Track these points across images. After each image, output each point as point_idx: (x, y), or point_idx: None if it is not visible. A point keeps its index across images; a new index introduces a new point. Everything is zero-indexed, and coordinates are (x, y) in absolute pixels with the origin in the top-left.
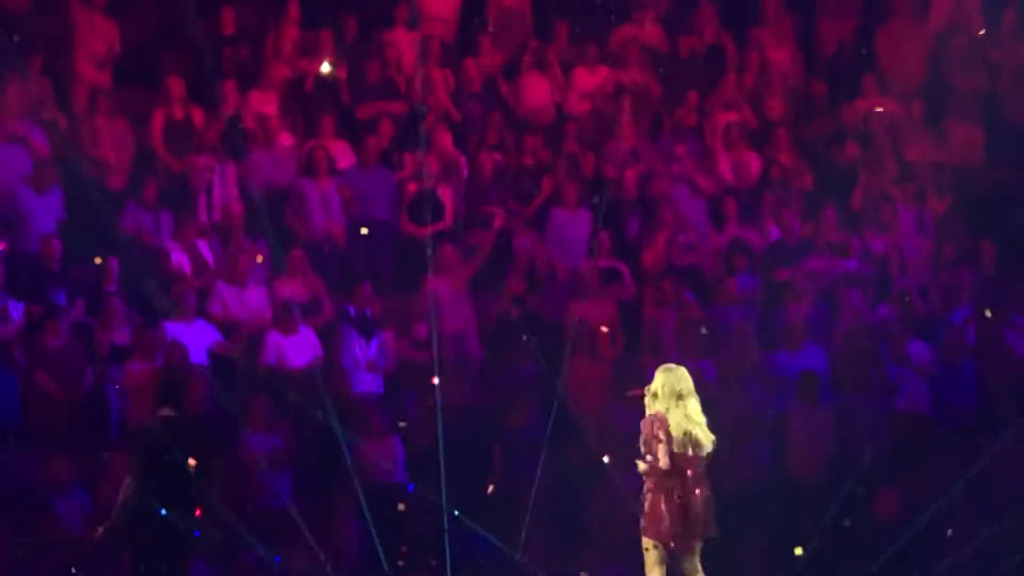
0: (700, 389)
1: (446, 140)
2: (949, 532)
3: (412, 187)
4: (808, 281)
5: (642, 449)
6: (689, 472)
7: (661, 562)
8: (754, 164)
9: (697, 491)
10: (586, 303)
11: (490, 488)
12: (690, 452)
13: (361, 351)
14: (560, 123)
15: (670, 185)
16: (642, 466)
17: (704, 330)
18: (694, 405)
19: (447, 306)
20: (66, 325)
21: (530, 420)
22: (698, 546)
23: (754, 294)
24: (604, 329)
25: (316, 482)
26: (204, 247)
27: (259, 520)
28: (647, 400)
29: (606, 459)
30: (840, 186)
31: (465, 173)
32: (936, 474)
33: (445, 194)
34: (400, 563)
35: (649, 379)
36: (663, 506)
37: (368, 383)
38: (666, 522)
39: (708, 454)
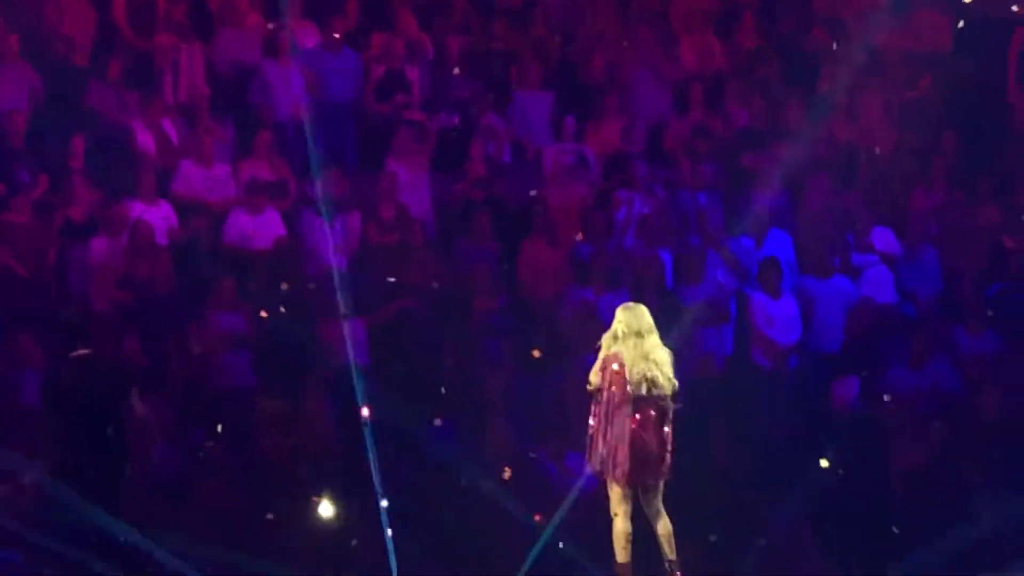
0: (659, 282)
1: (411, 22)
2: (910, 419)
3: (378, 68)
4: (773, 168)
5: (602, 388)
6: (652, 412)
7: (627, 497)
8: (720, 50)
9: (654, 432)
10: (549, 187)
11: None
12: (644, 391)
13: (324, 232)
14: (528, 7)
15: (635, 70)
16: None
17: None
18: (653, 342)
19: (410, 187)
20: (29, 203)
21: (490, 304)
22: (658, 486)
23: (718, 180)
24: None
25: (278, 363)
26: (169, 126)
27: (220, 400)
28: (606, 341)
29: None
30: (807, 73)
31: (431, 55)
32: (899, 362)
33: (412, 75)
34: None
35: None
36: (604, 442)
37: (332, 264)
38: (623, 462)
39: (668, 396)
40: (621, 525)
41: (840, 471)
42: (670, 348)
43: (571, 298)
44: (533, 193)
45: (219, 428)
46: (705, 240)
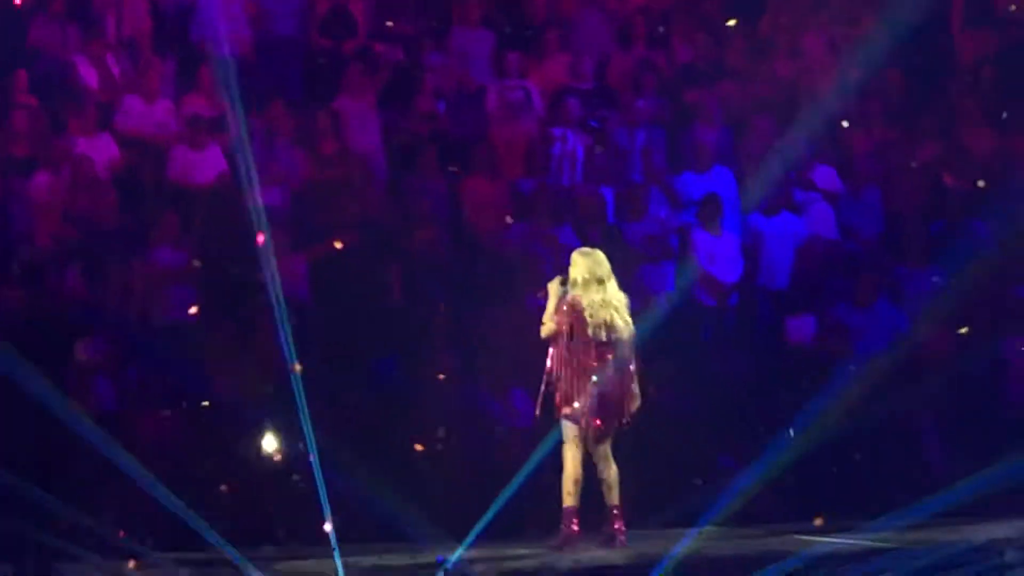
0: (601, 218)
1: None
2: (856, 355)
3: (323, 3)
4: (717, 104)
5: (561, 334)
6: (610, 357)
7: (580, 441)
8: None
9: (613, 377)
10: (493, 124)
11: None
12: (604, 336)
13: (269, 166)
14: None
15: (579, 5)
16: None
17: (601, 150)
18: (613, 287)
19: (355, 123)
20: None
21: (434, 239)
22: (611, 432)
23: (662, 116)
24: None
25: (222, 296)
26: (112, 62)
27: (164, 336)
28: (555, 286)
29: None
30: (750, 10)
31: None
32: (844, 299)
33: (356, 9)
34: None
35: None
36: (577, 387)
37: (275, 199)
38: (580, 402)
39: (627, 341)
40: (572, 469)
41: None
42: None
43: (514, 233)
44: None
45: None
46: (647, 176)
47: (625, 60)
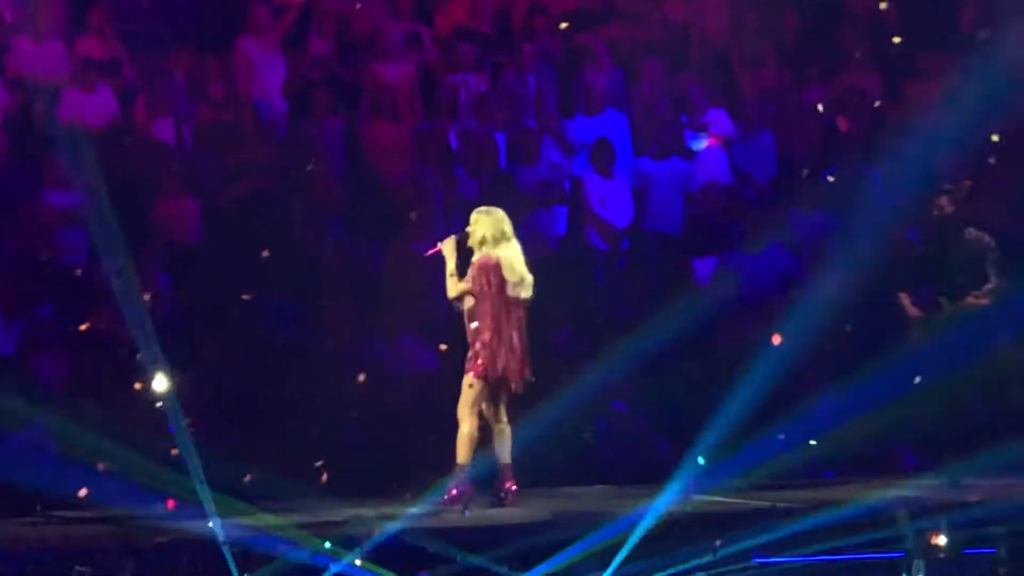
0: (494, 163)
1: None
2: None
3: None
4: (608, 47)
5: (476, 293)
6: (522, 314)
7: (481, 400)
8: None
9: (523, 334)
10: (386, 65)
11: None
12: (519, 293)
13: (163, 110)
14: None
15: None
16: (468, 302)
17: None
18: (516, 244)
19: (255, 66)
20: None
21: (330, 183)
22: (511, 391)
23: (553, 58)
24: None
25: (113, 240)
26: (2, 2)
27: (55, 277)
28: (449, 245)
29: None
30: None
31: None
32: (737, 243)
33: None
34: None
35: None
36: (499, 346)
37: (167, 140)
38: (502, 361)
39: (528, 297)
40: (471, 427)
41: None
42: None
43: (408, 177)
44: None
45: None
46: (540, 121)
47: (518, 3)
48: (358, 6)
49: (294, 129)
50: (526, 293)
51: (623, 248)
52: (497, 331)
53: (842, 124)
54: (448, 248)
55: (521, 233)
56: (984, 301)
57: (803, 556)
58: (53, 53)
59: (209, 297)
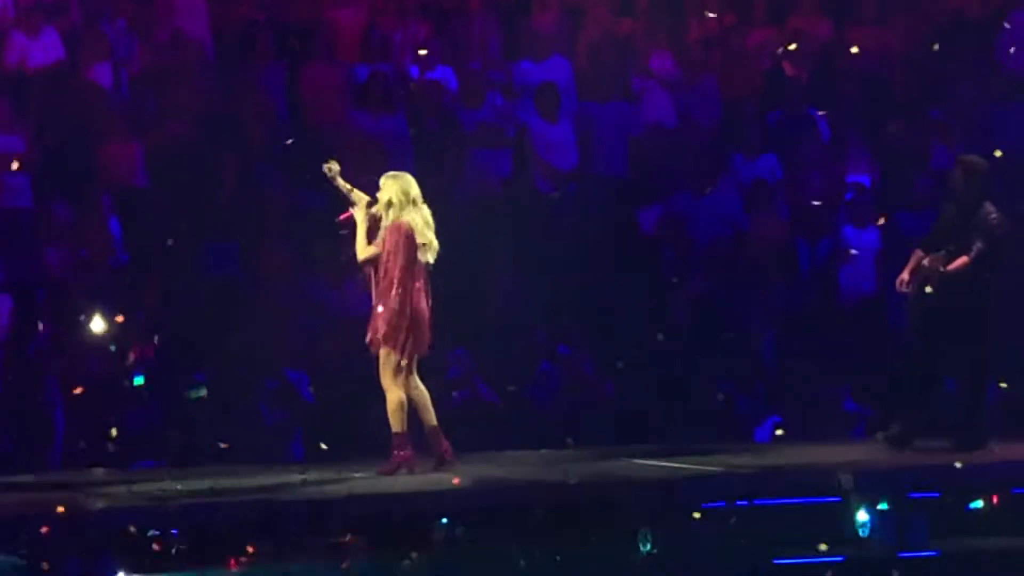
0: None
1: None
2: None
3: None
4: None
5: (385, 258)
6: (424, 278)
7: (400, 366)
8: None
9: (429, 300)
10: (329, 8)
11: None
12: (429, 258)
13: (106, 52)
14: None
15: None
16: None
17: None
18: (425, 209)
19: (196, 9)
20: None
21: (269, 128)
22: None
23: (498, 3)
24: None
25: (58, 184)
26: None
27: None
28: (380, 209)
29: None
30: None
31: None
32: (685, 187)
33: None
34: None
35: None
36: (407, 311)
37: (110, 83)
38: (410, 326)
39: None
40: (401, 395)
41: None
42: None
43: (351, 121)
44: None
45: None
46: (484, 64)
47: None
48: None
49: (234, 72)
50: (432, 258)
51: (569, 191)
52: (405, 296)
53: (788, 68)
54: (360, 213)
55: (466, 176)
56: (994, 218)
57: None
58: None
59: (154, 239)
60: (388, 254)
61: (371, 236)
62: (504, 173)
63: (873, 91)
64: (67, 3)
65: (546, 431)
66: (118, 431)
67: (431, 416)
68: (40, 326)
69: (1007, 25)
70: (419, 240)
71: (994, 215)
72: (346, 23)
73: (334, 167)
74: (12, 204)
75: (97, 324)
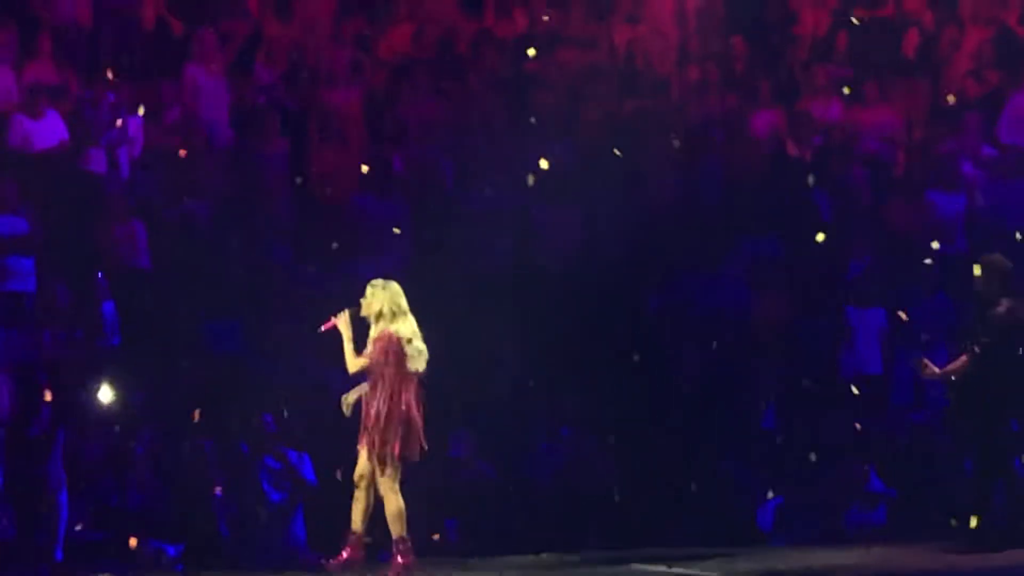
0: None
1: None
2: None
3: None
4: (556, 71)
5: (377, 368)
6: (416, 387)
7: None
8: None
9: (422, 409)
10: (333, 91)
11: None
12: (420, 367)
13: (108, 135)
14: None
15: None
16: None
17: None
18: (412, 319)
19: (203, 92)
20: None
21: (277, 208)
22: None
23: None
24: None
25: (62, 265)
26: None
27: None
28: (369, 316)
29: None
30: None
31: None
32: (687, 268)
33: None
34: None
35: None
36: (399, 422)
37: (114, 167)
38: (403, 436)
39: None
40: (400, 502)
41: None
42: None
43: (358, 203)
44: None
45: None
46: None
47: (468, 27)
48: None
49: (242, 154)
50: (423, 367)
51: (572, 272)
52: (397, 406)
53: (792, 148)
54: (343, 322)
55: (468, 257)
56: (1001, 312)
57: None
58: (1, 80)
59: (158, 319)
60: (379, 364)
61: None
62: (506, 252)
63: (875, 171)
64: (67, 85)
65: (545, 513)
66: (121, 509)
67: (397, 527)
68: (42, 405)
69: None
70: (409, 350)
71: (1002, 309)
72: (348, 106)
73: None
74: (17, 288)
75: (99, 402)
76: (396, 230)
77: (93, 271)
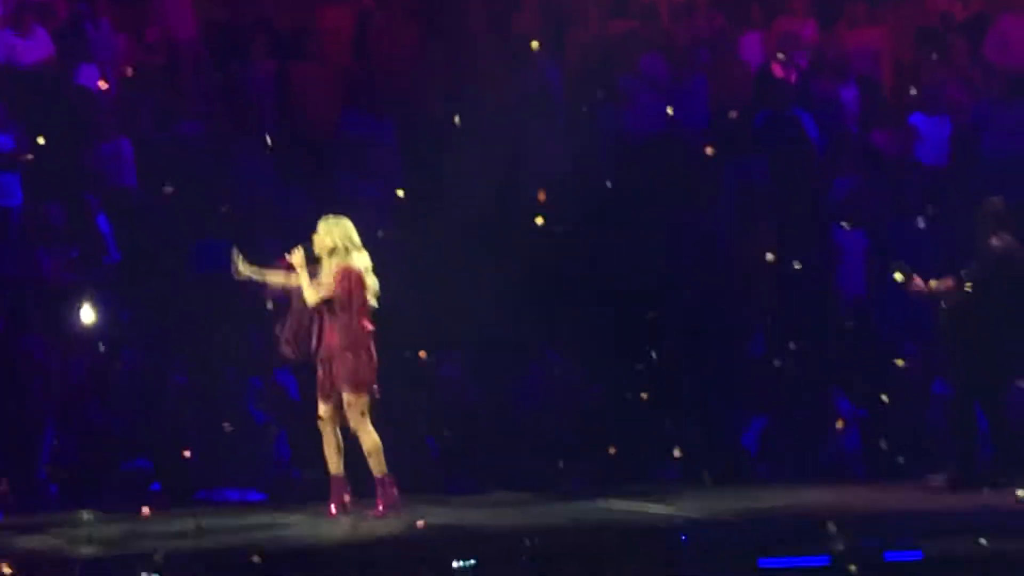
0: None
1: None
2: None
3: None
4: None
5: (339, 303)
6: (370, 322)
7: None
8: None
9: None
10: (322, 10)
11: None
12: (375, 302)
13: (94, 51)
14: None
15: None
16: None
17: None
18: (366, 254)
19: (188, 10)
20: None
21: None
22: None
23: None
24: None
25: (48, 183)
26: None
27: None
28: (321, 253)
29: None
30: None
31: None
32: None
33: None
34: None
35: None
36: (373, 358)
37: (98, 83)
38: (365, 369)
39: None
40: (376, 437)
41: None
42: None
43: (344, 122)
44: None
45: None
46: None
47: None
48: None
49: (226, 72)
50: (376, 302)
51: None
52: (363, 338)
53: (777, 69)
54: (298, 258)
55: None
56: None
57: None
58: None
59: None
60: (341, 300)
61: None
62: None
63: (862, 93)
64: (55, 3)
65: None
66: (106, 430)
67: (375, 464)
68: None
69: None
70: (368, 283)
71: (996, 242)
72: (336, 24)
73: (241, 268)
74: (2, 204)
75: (85, 321)
76: (380, 234)
77: (81, 189)
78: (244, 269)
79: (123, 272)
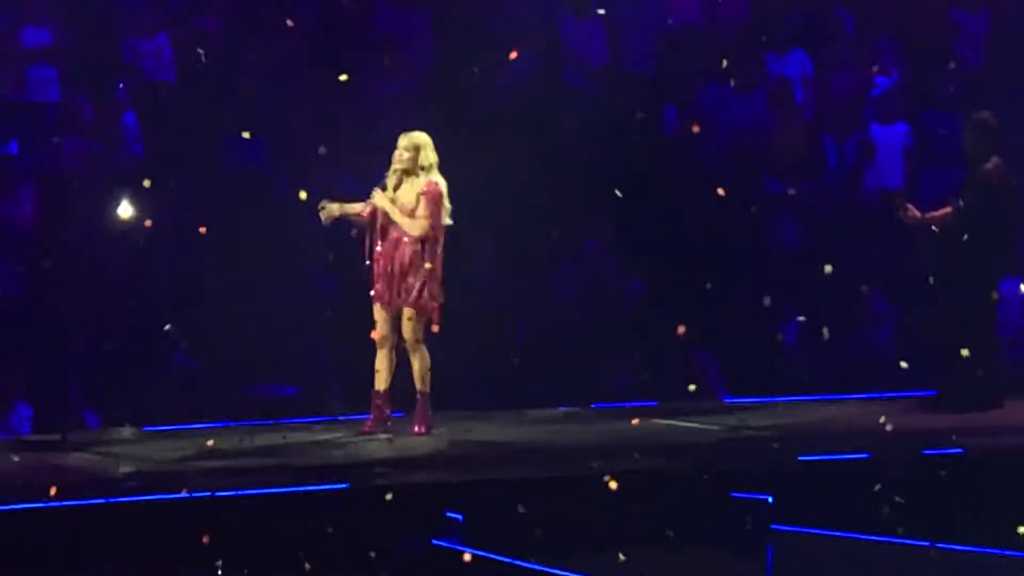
0: None
1: None
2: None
3: None
4: None
5: (431, 220)
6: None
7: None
8: None
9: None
10: None
11: None
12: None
13: None
14: None
15: None
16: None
17: None
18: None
19: None
20: None
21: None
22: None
23: None
24: None
25: (87, 76)
26: None
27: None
28: (424, 166)
29: None
30: None
31: None
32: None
33: None
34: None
35: None
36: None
37: None
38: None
39: None
40: (428, 356)
41: None
42: None
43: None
44: None
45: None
46: None
47: None
48: None
49: None
50: (450, 221)
51: (598, 88)
52: (440, 261)
53: None
54: (380, 199)
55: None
56: (988, 168)
57: None
58: None
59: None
60: (434, 220)
61: None
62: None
63: None
64: None
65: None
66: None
67: (423, 382)
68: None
69: None
70: (446, 204)
71: (990, 166)
72: None
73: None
74: (39, 98)
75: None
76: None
77: (116, 83)
78: (331, 209)
79: (155, 167)
